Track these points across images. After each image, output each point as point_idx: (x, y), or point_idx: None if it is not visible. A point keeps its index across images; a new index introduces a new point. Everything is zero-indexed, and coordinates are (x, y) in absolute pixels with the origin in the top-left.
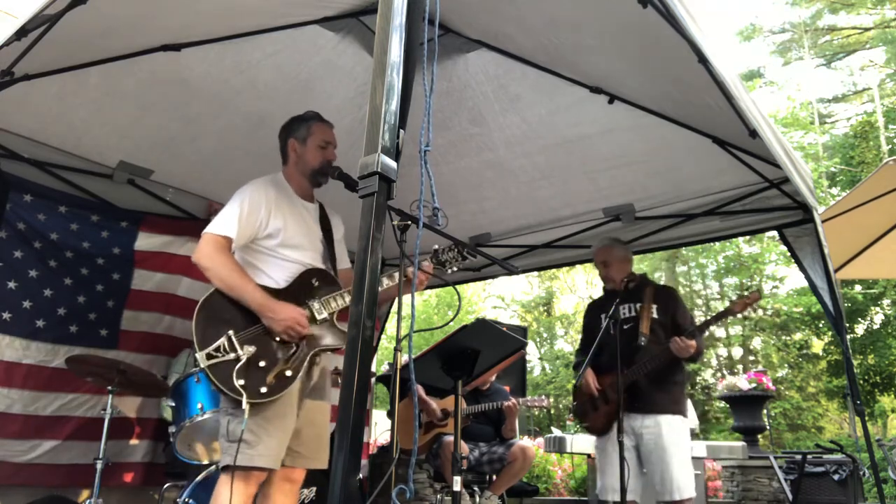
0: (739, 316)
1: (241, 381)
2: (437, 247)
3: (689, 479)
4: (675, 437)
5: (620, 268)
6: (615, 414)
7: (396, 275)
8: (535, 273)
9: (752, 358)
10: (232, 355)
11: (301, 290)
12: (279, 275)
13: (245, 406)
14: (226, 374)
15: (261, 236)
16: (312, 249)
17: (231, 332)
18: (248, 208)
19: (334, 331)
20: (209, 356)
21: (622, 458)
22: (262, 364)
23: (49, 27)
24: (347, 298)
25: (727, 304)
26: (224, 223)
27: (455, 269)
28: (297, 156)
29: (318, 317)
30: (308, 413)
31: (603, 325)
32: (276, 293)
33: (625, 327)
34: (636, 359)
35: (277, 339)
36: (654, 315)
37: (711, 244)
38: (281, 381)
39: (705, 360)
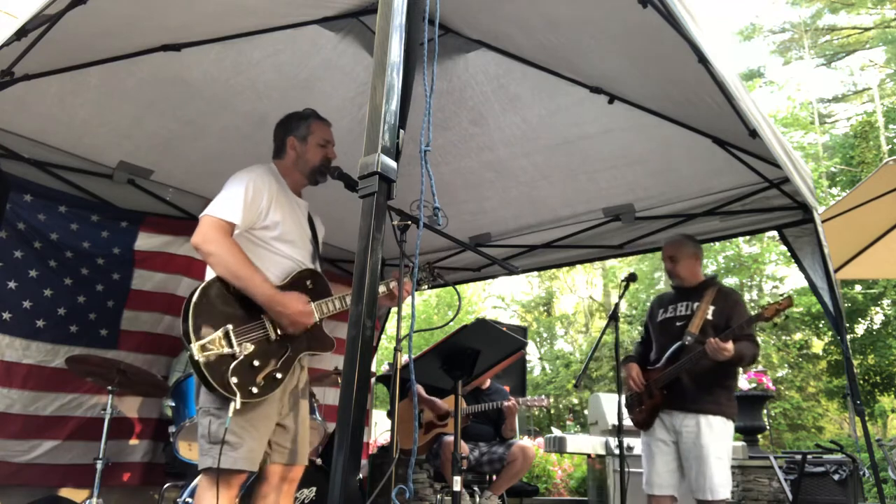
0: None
1: (235, 380)
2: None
3: (726, 481)
4: (714, 437)
5: (688, 265)
6: (657, 410)
7: (386, 285)
8: (535, 273)
9: None
10: (227, 350)
11: (296, 290)
12: (272, 270)
13: (236, 405)
14: (220, 370)
15: (258, 226)
16: (303, 247)
17: (230, 327)
18: (252, 194)
19: (323, 334)
20: (204, 348)
21: (622, 458)
22: (255, 363)
23: (49, 27)
24: (339, 304)
25: (762, 305)
26: (227, 207)
27: (427, 286)
28: (296, 154)
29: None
30: (300, 412)
31: (658, 320)
32: None
33: (677, 324)
34: (681, 357)
35: (272, 338)
36: (709, 316)
37: (711, 244)
38: (270, 383)
39: None
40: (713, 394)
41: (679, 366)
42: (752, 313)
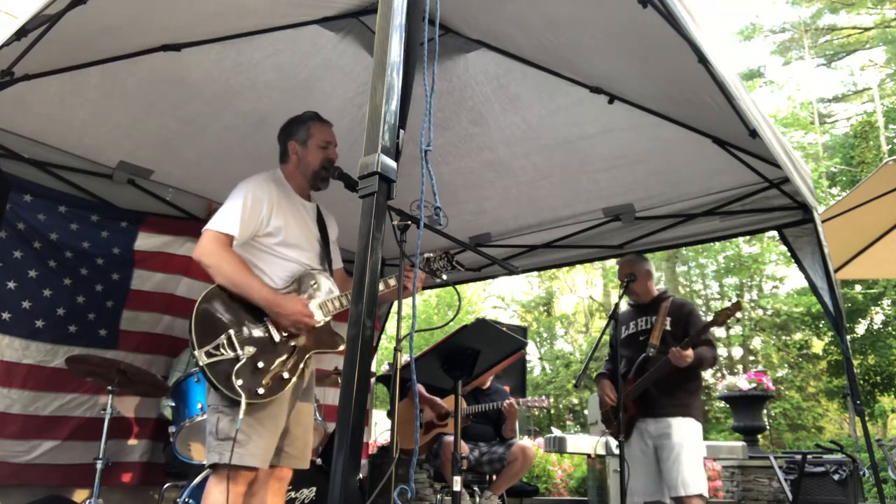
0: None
1: (240, 382)
2: (429, 255)
3: (698, 476)
4: (683, 436)
5: (644, 282)
6: (633, 420)
7: (391, 280)
8: (535, 273)
9: (752, 358)
10: (231, 354)
11: (300, 291)
12: (278, 274)
13: (243, 406)
14: (225, 373)
15: (261, 234)
16: (310, 250)
17: (232, 332)
18: (251, 205)
19: (331, 333)
20: (209, 354)
21: (622, 458)
22: (260, 365)
23: (49, 27)
24: (345, 301)
25: (715, 312)
26: (226, 219)
27: (444, 277)
28: (298, 158)
29: (317, 319)
30: (297, 414)
31: (621, 336)
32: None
33: (640, 339)
34: (647, 368)
35: (276, 340)
36: (667, 327)
37: (711, 244)
38: (277, 383)
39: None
40: (678, 398)
41: (647, 377)
42: (707, 320)
